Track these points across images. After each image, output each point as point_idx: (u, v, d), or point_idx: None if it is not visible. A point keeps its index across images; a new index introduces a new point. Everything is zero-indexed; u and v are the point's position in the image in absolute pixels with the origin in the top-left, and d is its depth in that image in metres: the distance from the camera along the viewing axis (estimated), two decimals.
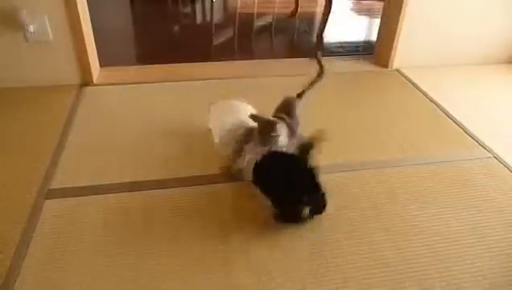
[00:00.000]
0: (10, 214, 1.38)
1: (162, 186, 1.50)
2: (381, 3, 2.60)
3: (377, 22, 2.76)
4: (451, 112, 2.05)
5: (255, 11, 3.61)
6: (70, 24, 2.03)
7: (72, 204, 1.44)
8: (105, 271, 1.20)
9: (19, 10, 1.95)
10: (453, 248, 1.31)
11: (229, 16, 3.62)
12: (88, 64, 2.14)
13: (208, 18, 3.65)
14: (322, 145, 1.32)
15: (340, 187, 1.55)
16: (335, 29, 3.29)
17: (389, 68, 2.48)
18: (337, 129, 1.91)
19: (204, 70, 2.44)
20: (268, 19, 3.52)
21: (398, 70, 2.47)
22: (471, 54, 2.56)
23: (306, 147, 1.22)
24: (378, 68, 2.51)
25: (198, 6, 3.80)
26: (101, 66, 2.33)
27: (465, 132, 1.90)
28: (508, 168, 1.67)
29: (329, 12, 3.10)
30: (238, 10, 3.63)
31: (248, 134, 1.40)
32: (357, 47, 3.03)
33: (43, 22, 2.00)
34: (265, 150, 1.25)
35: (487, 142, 1.82)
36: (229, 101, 1.65)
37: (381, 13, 2.56)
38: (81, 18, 2.03)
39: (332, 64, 2.59)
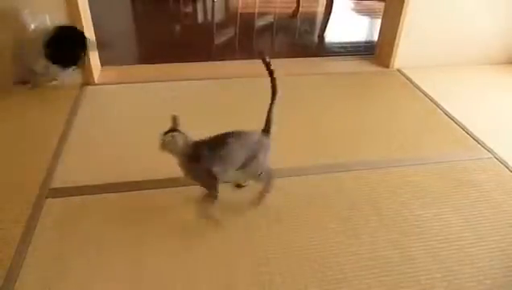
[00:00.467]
0: (12, 213, 1.38)
1: (164, 185, 1.50)
2: (382, 3, 2.60)
3: (378, 22, 2.76)
4: (451, 112, 2.05)
5: (256, 11, 3.61)
6: (71, 24, 2.03)
7: (74, 203, 1.44)
8: (105, 270, 1.20)
9: (21, 9, 1.95)
10: (454, 248, 1.31)
11: (230, 16, 3.62)
12: (89, 63, 2.14)
13: (209, 17, 3.66)
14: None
15: (340, 186, 1.55)
16: (335, 29, 3.29)
17: (390, 69, 2.48)
18: (338, 129, 1.91)
19: (205, 70, 2.45)
20: (269, 19, 3.52)
21: (399, 70, 2.47)
22: (472, 54, 2.56)
23: None
24: (379, 69, 2.51)
25: (199, 6, 3.80)
26: (102, 65, 2.33)
27: (466, 132, 1.90)
28: (508, 168, 1.67)
29: (330, 12, 3.11)
30: (239, 10, 3.63)
31: None
32: (358, 47, 3.03)
33: (44, 22, 2.00)
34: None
35: (487, 143, 1.82)
36: None
37: (381, 13, 2.56)
38: (82, 17, 2.03)
39: (333, 65, 2.60)
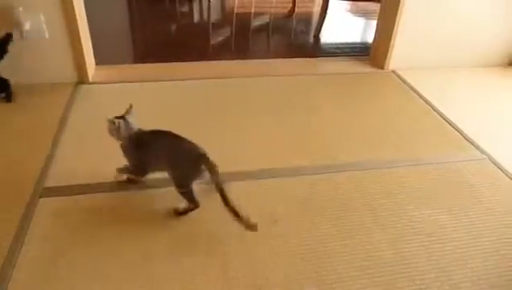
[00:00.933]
0: (5, 212, 1.37)
1: (157, 185, 1.49)
2: (378, 5, 2.61)
3: (373, 23, 2.77)
4: (446, 113, 2.06)
5: (252, 11, 3.61)
6: (66, 22, 2.02)
7: (67, 202, 1.43)
8: (97, 270, 1.20)
9: (15, 7, 1.93)
10: (448, 249, 1.32)
11: (227, 15, 3.62)
12: (84, 62, 2.13)
13: (205, 17, 3.65)
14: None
15: (336, 187, 1.55)
16: (331, 30, 3.30)
17: (385, 70, 2.49)
18: (333, 130, 1.91)
19: (201, 69, 2.44)
20: (265, 19, 3.52)
21: (394, 71, 2.48)
22: (466, 56, 2.58)
23: None
24: (374, 70, 2.51)
25: (195, 5, 3.79)
26: (96, 64, 2.32)
27: (460, 134, 1.92)
28: (502, 170, 1.69)
29: (326, 13, 3.11)
30: (235, 10, 3.63)
31: None
32: (354, 48, 3.04)
33: (38, 20, 1.99)
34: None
35: (481, 144, 1.84)
36: None
37: (377, 14, 2.57)
38: (77, 16, 2.02)
39: (328, 65, 2.61)
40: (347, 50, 2.96)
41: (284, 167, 1.64)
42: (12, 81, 2.00)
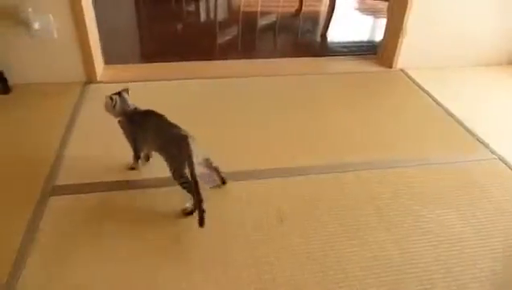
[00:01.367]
0: (16, 209, 1.39)
1: (166, 184, 1.50)
2: (386, 3, 2.60)
3: (381, 22, 2.75)
4: (455, 113, 2.04)
5: (259, 10, 3.61)
6: (75, 22, 2.03)
7: (76, 200, 1.45)
8: (104, 268, 1.21)
9: (24, 7, 1.95)
10: (456, 249, 1.31)
11: (233, 14, 3.62)
12: (93, 61, 2.15)
13: (211, 16, 3.65)
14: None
15: (343, 186, 1.55)
16: (338, 29, 3.29)
17: (393, 69, 2.48)
18: (340, 129, 1.90)
19: (208, 69, 2.45)
20: (272, 18, 3.52)
21: (402, 70, 2.46)
22: (474, 55, 2.55)
23: None
24: (382, 69, 2.50)
25: (202, 5, 3.79)
26: (105, 64, 2.33)
27: (469, 133, 1.90)
28: (511, 169, 1.67)
29: (333, 11, 3.10)
30: (242, 9, 3.63)
31: None
32: (361, 47, 3.03)
33: (47, 20, 2.01)
34: None
35: (491, 144, 1.82)
36: None
37: (384, 13, 2.56)
38: (86, 15, 2.04)
39: (335, 64, 2.60)
40: (354, 49, 2.95)
41: (290, 167, 1.64)
42: (21, 81, 2.02)
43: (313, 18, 3.59)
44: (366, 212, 1.44)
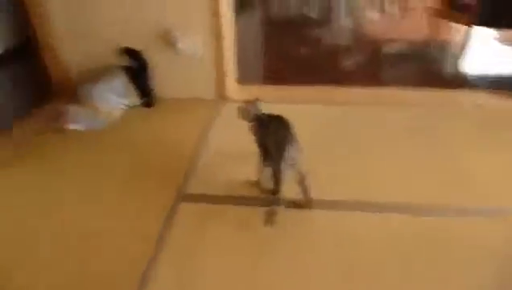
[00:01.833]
0: (152, 212, 1.55)
1: (296, 205, 1.53)
2: None
3: None
4: None
5: (388, 37, 3.53)
6: (217, 43, 2.22)
7: (206, 209, 1.56)
8: (228, 272, 1.29)
9: (174, 27, 2.19)
10: None
11: (360, 41, 3.58)
12: (228, 80, 2.32)
13: (339, 41, 3.67)
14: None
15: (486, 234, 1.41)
16: (475, 59, 3.05)
17: None
18: (477, 172, 1.74)
19: (332, 94, 2.46)
20: (401, 45, 3.41)
21: None
22: None
23: None
24: None
25: (330, 30, 3.84)
26: (237, 83, 2.49)
27: None
28: None
29: (469, 40, 2.89)
30: (370, 35, 3.59)
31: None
32: (500, 81, 2.76)
33: (192, 40, 2.22)
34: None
35: None
36: None
37: None
38: (227, 38, 2.21)
39: (469, 98, 2.41)
40: (493, 82, 2.70)
41: (415, 203, 1.56)
42: (163, 94, 2.26)
43: (446, 47, 3.38)
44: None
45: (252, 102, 1.61)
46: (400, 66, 3.09)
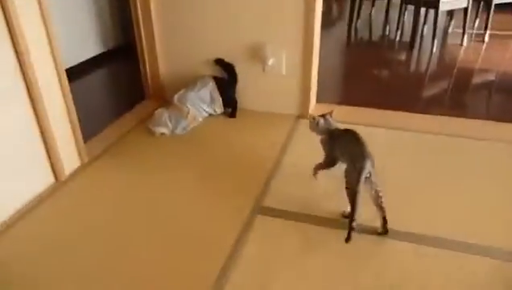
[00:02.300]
0: (229, 220, 1.62)
1: (368, 231, 1.53)
2: None
3: None
4: None
5: (477, 66, 3.38)
6: (303, 60, 2.27)
7: (279, 224, 1.60)
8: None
9: (265, 44, 2.28)
10: None
11: (447, 68, 3.45)
12: (309, 99, 2.36)
13: (422, 67, 3.57)
14: None
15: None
16: None
17: None
18: None
19: (412, 120, 2.39)
20: (491, 76, 3.24)
21: None
22: None
23: None
24: None
25: (415, 54, 3.75)
26: (316, 102, 2.52)
27: None
28: None
29: None
30: (458, 64, 3.45)
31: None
32: None
33: (280, 58, 2.29)
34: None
35: None
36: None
37: None
38: (313, 57, 2.26)
39: None
40: None
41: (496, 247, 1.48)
42: (248, 107, 2.35)
43: None
44: None
45: (324, 116, 1.66)
46: (487, 98, 2.94)
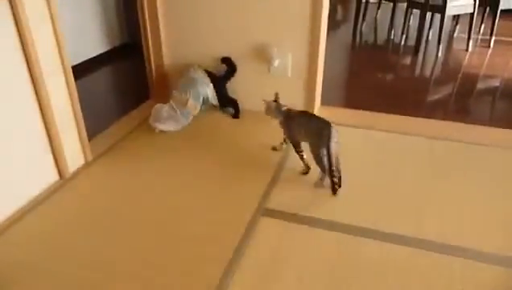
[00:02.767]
0: (233, 222, 1.62)
1: (366, 234, 1.53)
2: None
3: None
4: None
5: (482, 72, 3.37)
6: (308, 63, 2.28)
7: (283, 226, 1.60)
8: None
9: (272, 46, 2.28)
10: None
11: (451, 73, 3.45)
12: (314, 101, 2.36)
13: (427, 72, 3.57)
14: None
15: None
16: None
17: None
18: None
19: (415, 125, 2.39)
20: (495, 82, 3.24)
21: None
22: None
23: None
24: None
25: (419, 58, 3.75)
26: (321, 104, 2.52)
27: None
28: None
29: None
30: (463, 69, 3.44)
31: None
32: None
33: (286, 60, 2.30)
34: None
35: None
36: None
37: None
38: (319, 59, 2.26)
39: None
40: None
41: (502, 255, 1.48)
42: (252, 107, 2.36)
43: None
44: None
45: (275, 100, 1.88)
46: (491, 103, 2.94)
